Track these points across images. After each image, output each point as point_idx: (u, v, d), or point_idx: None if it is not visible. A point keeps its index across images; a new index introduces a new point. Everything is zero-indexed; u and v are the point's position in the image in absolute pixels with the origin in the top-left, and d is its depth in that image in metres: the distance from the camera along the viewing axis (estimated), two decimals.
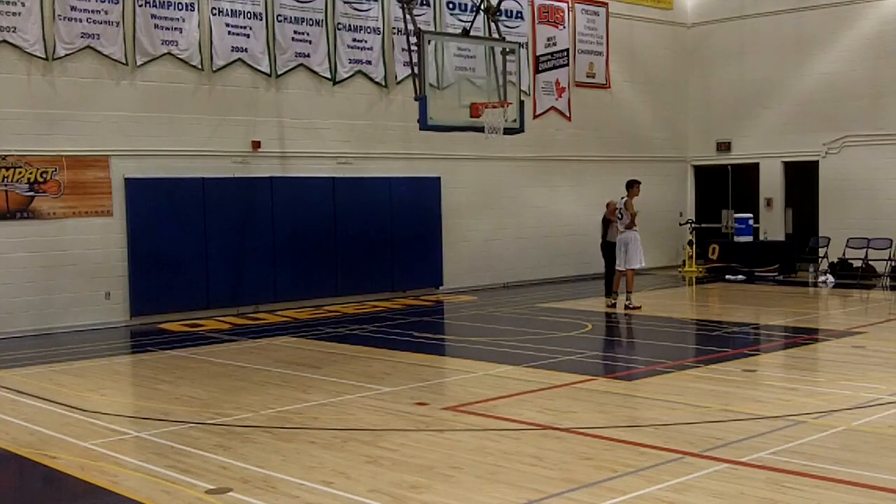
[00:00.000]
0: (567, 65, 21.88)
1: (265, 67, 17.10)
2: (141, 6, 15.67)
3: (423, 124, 14.70)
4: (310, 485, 6.84)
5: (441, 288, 19.63)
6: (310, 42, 17.64)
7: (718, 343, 13.32)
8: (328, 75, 17.89)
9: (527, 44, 20.90)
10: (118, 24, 15.45)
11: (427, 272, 19.35)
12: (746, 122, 23.63)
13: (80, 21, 15.11)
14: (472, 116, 15.19)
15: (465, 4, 19.87)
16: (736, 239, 22.64)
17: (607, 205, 17.63)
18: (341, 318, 16.15)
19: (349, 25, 18.14)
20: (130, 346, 14.23)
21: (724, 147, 24.15)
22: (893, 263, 20.40)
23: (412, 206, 18.92)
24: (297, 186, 17.38)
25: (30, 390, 10.53)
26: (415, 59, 14.97)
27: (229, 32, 16.67)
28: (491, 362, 11.73)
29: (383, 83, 18.63)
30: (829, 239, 21.41)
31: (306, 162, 17.72)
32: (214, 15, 16.47)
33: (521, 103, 16.30)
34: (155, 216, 15.82)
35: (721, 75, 24.05)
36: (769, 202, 23.38)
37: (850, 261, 20.71)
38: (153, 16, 15.80)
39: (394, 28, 18.58)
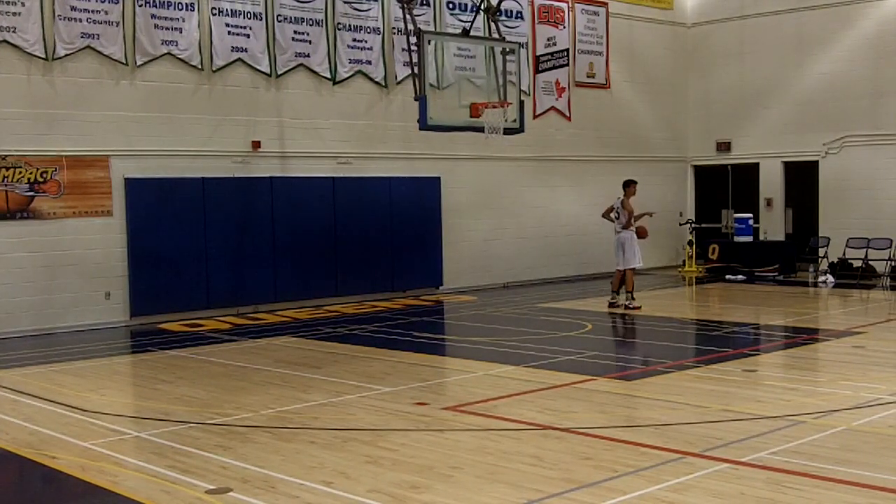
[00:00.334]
0: (567, 65, 21.88)
1: (265, 67, 17.11)
2: (141, 6, 15.67)
3: (423, 124, 14.71)
4: (310, 485, 6.84)
5: (441, 288, 19.64)
6: (310, 42, 17.64)
7: (718, 343, 13.32)
8: (328, 75, 17.89)
9: (527, 44, 20.90)
10: (118, 24, 15.45)
11: (427, 272, 19.35)
12: (746, 122, 23.63)
13: (80, 21, 15.11)
14: (472, 116, 15.20)
15: (465, 4, 19.87)
16: (736, 239, 22.64)
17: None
18: (341, 318, 16.15)
19: (349, 25, 18.14)
20: (130, 346, 14.24)
21: (724, 147, 24.16)
22: (893, 263, 20.40)
23: (412, 206, 18.92)
24: (297, 186, 17.38)
25: (30, 390, 10.53)
26: (415, 59, 14.98)
27: (229, 32, 16.67)
28: (491, 362, 11.73)
29: (383, 83, 18.63)
30: (829, 239, 21.41)
31: (306, 162, 17.72)
32: (214, 15, 16.48)
33: (521, 103, 16.31)
34: (155, 216, 15.82)
35: (721, 75, 24.06)
36: (769, 202, 23.39)
37: (850, 261, 20.71)
38: (153, 16, 15.81)
39: (394, 28, 18.58)
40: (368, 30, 18.40)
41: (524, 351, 12.46)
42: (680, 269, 23.01)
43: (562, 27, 21.83)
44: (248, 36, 16.89)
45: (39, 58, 14.79)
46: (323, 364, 11.78)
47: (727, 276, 21.61)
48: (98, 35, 15.26)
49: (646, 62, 23.74)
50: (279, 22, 17.25)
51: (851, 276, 20.28)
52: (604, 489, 6.58)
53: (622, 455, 7.42)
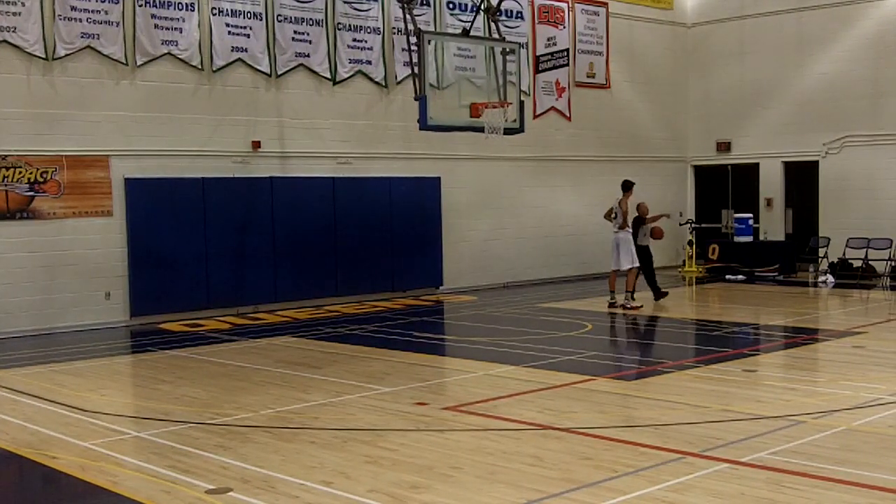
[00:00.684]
0: (567, 65, 21.88)
1: (265, 67, 17.11)
2: (141, 6, 15.67)
3: (423, 124, 14.71)
4: (310, 485, 6.84)
5: (441, 288, 19.64)
6: (310, 42, 17.64)
7: (718, 343, 13.32)
8: (328, 75, 17.89)
9: (527, 44, 20.90)
10: (118, 24, 15.45)
11: (427, 272, 19.35)
12: (746, 122, 23.63)
13: (80, 21, 15.11)
14: (472, 116, 15.22)
15: (465, 4, 19.87)
16: (736, 239, 22.63)
17: (638, 206, 17.53)
18: (341, 318, 16.15)
19: (349, 25, 18.14)
20: (130, 346, 14.24)
21: (724, 147, 24.16)
22: (893, 263, 20.40)
23: (412, 206, 18.91)
24: (297, 186, 17.38)
25: (30, 390, 10.53)
26: (415, 59, 14.98)
27: (229, 32, 16.67)
28: (491, 362, 11.73)
29: (383, 83, 18.63)
30: (829, 239, 21.41)
31: (306, 162, 17.72)
32: (214, 15, 16.48)
33: (521, 103, 16.32)
34: (155, 216, 15.82)
35: (721, 75, 24.06)
36: (769, 202, 23.39)
37: (850, 261, 20.71)
38: (153, 16, 15.80)
39: (394, 28, 18.58)
40: (368, 30, 18.40)
41: (524, 351, 12.46)
42: (680, 269, 23.01)
43: (562, 27, 21.83)
44: (248, 36, 16.89)
45: (39, 58, 14.79)
46: (323, 364, 11.78)
47: (727, 276, 21.61)
48: (98, 35, 15.26)
49: (646, 62, 23.74)
50: (279, 22, 17.25)
51: (851, 276, 20.28)
52: (604, 489, 6.58)
53: (622, 455, 7.42)
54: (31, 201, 14.76)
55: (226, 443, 8.07)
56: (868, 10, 21.63)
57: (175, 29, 16.04)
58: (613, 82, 22.96)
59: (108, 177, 15.48)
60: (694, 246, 22.84)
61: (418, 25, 15.54)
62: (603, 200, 21.88)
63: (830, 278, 20.15)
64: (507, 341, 13.30)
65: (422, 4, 18.71)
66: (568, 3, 21.96)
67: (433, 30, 18.60)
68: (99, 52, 15.33)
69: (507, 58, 16.01)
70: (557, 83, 21.73)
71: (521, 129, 16.18)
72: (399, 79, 18.73)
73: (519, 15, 20.90)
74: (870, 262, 20.50)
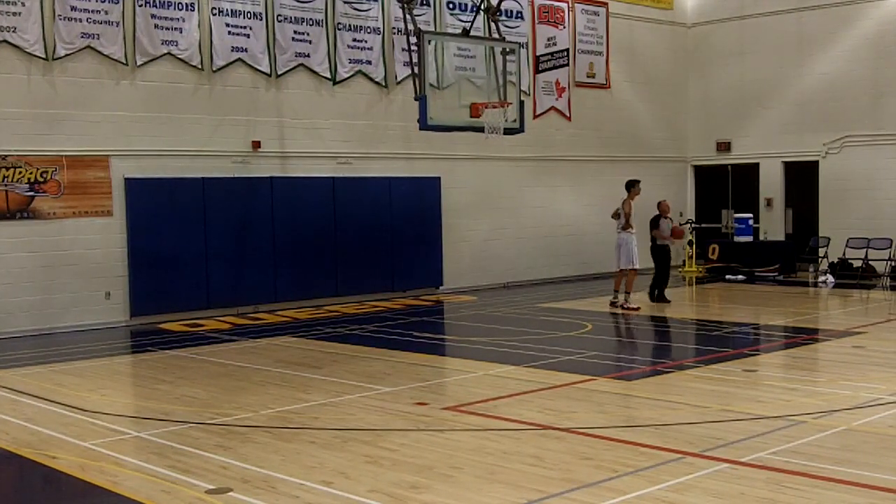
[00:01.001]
0: (567, 65, 21.88)
1: (265, 67, 17.10)
2: (141, 6, 15.67)
3: (423, 124, 14.72)
4: (310, 485, 6.84)
5: (441, 288, 19.64)
6: (310, 42, 17.64)
7: (718, 343, 13.32)
8: (328, 75, 17.89)
9: (527, 44, 20.90)
10: (118, 24, 15.45)
11: (427, 272, 19.35)
12: (746, 122, 23.63)
13: (80, 21, 15.11)
14: (472, 116, 15.21)
15: (465, 4, 19.87)
16: (736, 239, 22.63)
17: (659, 204, 17.44)
18: (341, 318, 16.15)
19: (349, 25, 18.14)
20: (130, 346, 14.24)
21: (724, 147, 24.16)
22: (893, 263, 20.39)
23: (412, 206, 18.92)
24: (297, 186, 17.37)
25: (30, 390, 10.53)
26: (415, 59, 14.99)
27: (229, 32, 16.67)
28: (491, 362, 11.73)
29: (383, 83, 18.63)
30: (829, 239, 21.41)
31: (306, 162, 17.72)
32: (214, 15, 16.48)
33: (521, 103, 16.32)
34: (155, 216, 15.82)
35: (721, 75, 24.05)
36: (769, 202, 23.38)
37: (850, 261, 20.70)
38: (153, 16, 15.80)
39: (394, 28, 18.58)
40: (368, 30, 18.40)
41: (524, 351, 12.46)
42: (680, 270, 23.00)
43: (562, 27, 21.83)
44: (248, 36, 16.89)
45: (39, 58, 14.79)
46: (323, 364, 11.78)
47: (727, 276, 21.61)
48: (98, 35, 15.26)
49: (646, 62, 23.73)
50: (279, 22, 17.25)
51: (851, 276, 20.28)
52: (604, 489, 6.58)
53: (622, 455, 7.42)
54: (31, 201, 14.76)
55: (226, 443, 8.07)
56: (868, 10, 21.63)
57: (175, 29, 16.03)
58: (613, 82, 22.96)
59: (108, 177, 15.48)
60: (694, 246, 22.83)
61: (418, 25, 15.55)
62: (603, 200, 21.92)
63: (830, 278, 20.14)
64: (508, 341, 13.30)
65: (422, 4, 18.71)
66: (568, 3, 21.96)
67: (433, 30, 18.60)
68: (99, 52, 15.33)
69: (507, 58, 16.02)
70: (557, 83, 21.73)
71: (521, 129, 16.18)
72: (399, 79, 18.73)
73: (519, 15, 20.90)
74: (870, 262, 20.49)
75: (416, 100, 14.80)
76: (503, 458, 7.41)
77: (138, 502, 6.57)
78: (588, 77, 22.44)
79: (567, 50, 21.82)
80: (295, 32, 17.45)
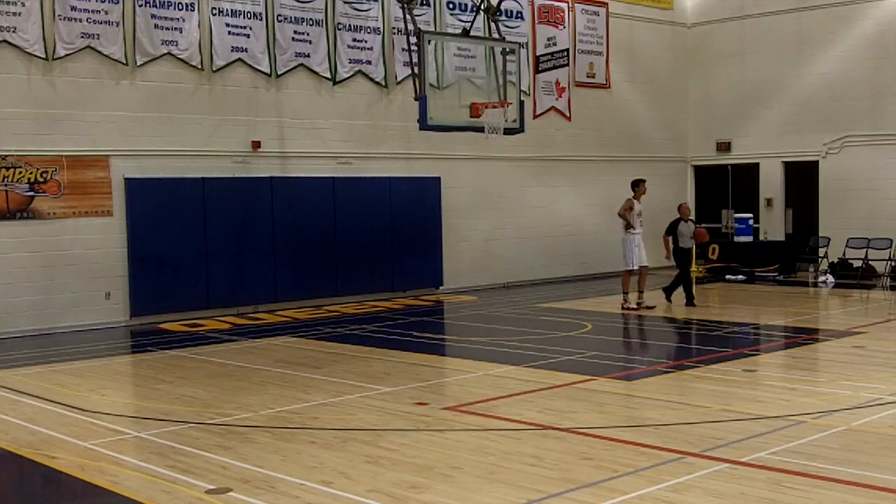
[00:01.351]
0: (567, 65, 21.88)
1: (265, 67, 17.10)
2: (141, 6, 15.67)
3: (423, 124, 14.72)
4: (310, 485, 6.84)
5: (441, 288, 19.64)
6: (310, 42, 17.64)
7: (718, 343, 13.32)
8: (328, 75, 17.89)
9: (527, 44, 20.90)
10: (118, 24, 15.45)
11: (427, 272, 19.35)
12: (746, 122, 23.63)
13: (80, 21, 15.11)
14: (472, 116, 15.22)
15: (465, 4, 19.87)
16: (736, 239, 22.63)
17: (679, 207, 17.36)
18: (341, 318, 16.15)
19: (349, 25, 18.14)
20: (130, 346, 14.24)
21: (724, 147, 24.16)
22: (893, 263, 20.39)
23: (412, 206, 18.92)
24: (297, 186, 17.37)
25: (30, 390, 10.53)
26: (415, 59, 14.99)
27: (229, 32, 16.67)
28: (491, 362, 11.73)
29: (383, 83, 18.63)
30: (829, 239, 21.41)
31: (306, 162, 17.72)
32: (214, 15, 16.48)
33: (521, 103, 16.32)
34: (155, 216, 15.82)
35: (721, 75, 24.05)
36: (769, 202, 23.38)
37: (850, 261, 20.70)
38: (153, 16, 15.80)
39: (394, 28, 18.58)
40: (368, 30, 18.40)
41: (524, 351, 12.46)
42: None
43: (562, 27, 21.83)
44: (248, 36, 16.89)
45: (39, 58, 14.79)
46: (323, 364, 11.78)
47: (727, 276, 21.60)
48: (98, 35, 15.26)
49: (646, 62, 23.73)
50: (279, 22, 17.25)
51: (851, 276, 20.27)
52: (604, 489, 6.58)
53: (622, 455, 7.42)
54: (31, 201, 14.76)
55: (226, 443, 8.07)
56: (868, 10, 21.62)
57: (175, 29, 16.03)
58: (613, 82, 22.96)
59: (108, 177, 15.48)
60: (694, 246, 22.80)
61: (418, 25, 15.55)
62: (603, 200, 21.93)
63: (830, 278, 20.14)
64: (508, 341, 13.30)
65: (422, 4, 18.71)
66: (568, 3, 21.96)
67: (433, 30, 18.60)
68: (99, 52, 15.33)
69: (507, 58, 16.02)
70: (557, 83, 21.73)
71: (521, 129, 16.18)
72: (399, 79, 18.73)
73: (519, 15, 20.90)
74: (870, 262, 20.49)
75: (416, 100, 14.80)
76: (503, 458, 7.41)
77: (138, 502, 6.57)
78: (588, 77, 22.44)
79: (567, 50, 21.82)
80: (295, 32, 17.45)
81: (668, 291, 17.26)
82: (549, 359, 11.80)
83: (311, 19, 17.63)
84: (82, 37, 15.14)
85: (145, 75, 15.85)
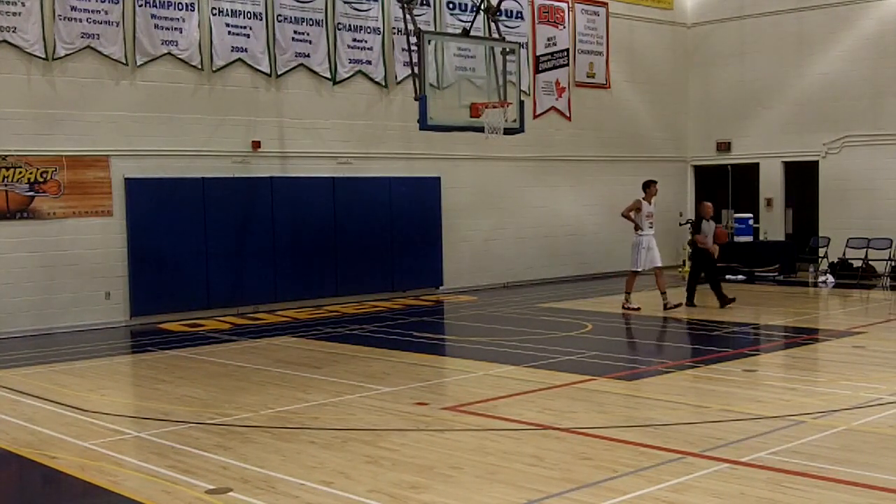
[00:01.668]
0: (567, 65, 21.88)
1: (265, 67, 17.11)
2: (141, 6, 15.67)
3: (423, 124, 14.72)
4: (310, 485, 6.84)
5: (441, 288, 19.63)
6: (310, 42, 17.64)
7: (718, 343, 13.32)
8: (328, 75, 17.89)
9: (527, 44, 20.90)
10: (118, 24, 15.45)
11: (427, 272, 19.35)
12: (746, 122, 23.63)
13: (80, 21, 15.11)
14: (472, 116, 15.21)
15: (465, 4, 19.87)
16: (736, 239, 22.61)
17: (700, 206, 17.16)
18: (341, 318, 16.15)
19: (349, 25, 18.14)
20: (130, 346, 14.24)
21: (724, 147, 24.16)
22: (893, 263, 20.39)
23: (412, 206, 18.92)
24: (297, 186, 17.37)
25: (30, 390, 10.53)
26: (415, 59, 14.98)
27: (229, 32, 16.67)
28: (491, 362, 11.73)
29: (383, 83, 18.63)
30: (829, 239, 21.41)
31: (306, 162, 17.72)
32: (214, 15, 16.48)
33: (521, 103, 16.32)
34: (155, 216, 15.82)
35: (721, 75, 24.06)
36: (769, 202, 23.38)
37: (850, 261, 20.70)
38: (153, 16, 15.81)
39: (394, 28, 18.58)
40: (368, 30, 18.40)
41: (524, 351, 12.46)
42: (680, 269, 22.97)
43: (562, 27, 21.83)
44: (248, 36, 16.89)
45: (39, 58, 14.79)
46: (323, 364, 11.78)
47: (727, 276, 21.58)
48: (98, 35, 15.26)
49: (646, 62, 23.73)
50: (279, 22, 17.25)
51: (851, 276, 20.27)
52: (604, 489, 6.58)
53: (622, 455, 7.42)
54: (31, 201, 14.76)
55: (226, 443, 8.07)
56: (868, 10, 21.63)
57: (175, 29, 16.04)
58: (613, 82, 22.96)
59: (108, 177, 15.48)
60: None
61: (418, 25, 15.54)
62: (603, 200, 21.96)
63: (830, 278, 20.14)
64: (507, 341, 13.30)
65: (422, 4, 18.70)
66: (568, 2, 21.96)
67: (433, 30, 18.60)
68: (99, 52, 15.33)
69: (507, 58, 16.01)
70: (557, 83, 21.73)
71: (521, 129, 16.18)
72: (399, 79, 18.73)
73: (519, 15, 20.90)
74: (870, 262, 20.49)
75: (416, 100, 14.80)
76: (503, 458, 7.41)
77: (138, 502, 6.57)
78: (588, 77, 22.44)
79: (567, 50, 21.82)
80: (295, 32, 17.45)
81: (691, 295, 16.82)
82: (549, 359, 11.80)
83: (311, 19, 17.63)
84: (82, 37, 15.14)
85: (145, 75, 15.85)
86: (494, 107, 15.30)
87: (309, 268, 17.53)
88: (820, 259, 21.38)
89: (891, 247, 20.46)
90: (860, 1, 21.69)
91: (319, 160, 17.90)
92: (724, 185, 24.39)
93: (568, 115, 22.02)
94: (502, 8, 18.42)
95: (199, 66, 16.36)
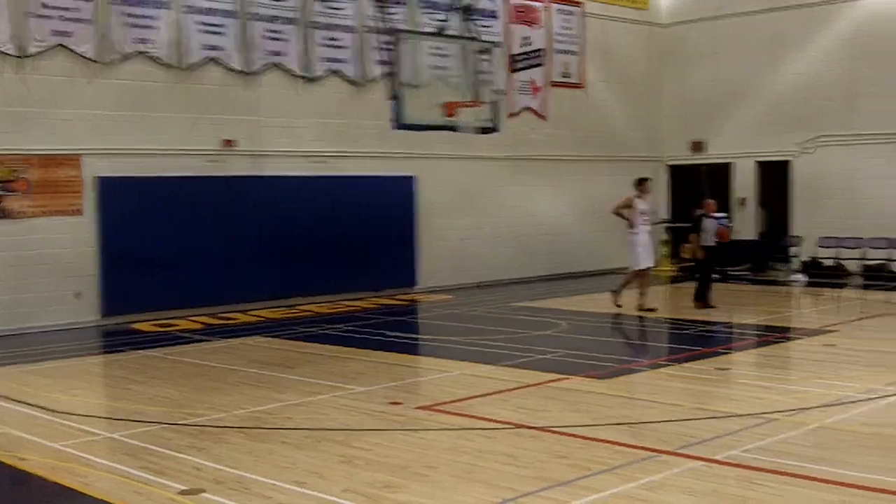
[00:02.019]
0: (542, 64, 21.90)
1: (239, 65, 17.00)
2: (113, 4, 15.53)
3: (398, 123, 14.68)
4: (283, 485, 6.80)
5: (416, 287, 19.60)
6: (284, 40, 17.56)
7: (692, 342, 13.37)
8: (302, 73, 17.81)
9: (502, 43, 20.90)
10: (90, 21, 15.31)
11: (402, 271, 19.31)
12: (721, 122, 23.74)
13: (52, 18, 14.96)
14: (446, 115, 15.20)
15: (440, 3, 19.82)
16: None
17: (703, 203, 16.86)
18: (315, 317, 16.09)
19: (323, 24, 18.06)
20: (102, 346, 14.12)
21: (698, 147, 24.25)
22: (865, 262, 20.56)
23: (387, 205, 18.86)
24: (272, 185, 17.29)
25: None
26: (389, 58, 14.94)
27: (202, 30, 16.55)
28: (466, 361, 11.71)
29: (358, 81, 18.57)
30: (802, 238, 21.56)
31: (281, 160, 17.64)
32: (187, 13, 16.36)
33: (496, 102, 16.33)
34: (127, 215, 15.69)
35: (696, 75, 24.16)
36: (743, 201, 23.51)
37: (822, 260, 20.85)
38: (126, 14, 15.67)
39: (368, 26, 18.52)
40: (343, 28, 18.33)
41: (499, 350, 12.45)
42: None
43: (537, 27, 21.85)
44: (222, 34, 16.78)
45: (11, 55, 14.63)
46: (297, 364, 11.73)
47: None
48: (70, 33, 15.12)
49: (621, 62, 23.80)
50: (253, 20, 17.15)
51: (823, 275, 20.42)
52: (578, 487, 6.58)
53: (596, 453, 7.42)
54: (1, 200, 14.59)
55: (199, 443, 8.01)
56: (843, 11, 21.78)
57: (147, 27, 15.91)
58: (589, 82, 23.01)
59: (80, 176, 15.33)
60: (670, 245, 22.91)
61: (392, 24, 15.51)
62: (579, 199, 22.00)
63: (803, 277, 20.27)
64: (483, 340, 13.29)
65: (396, 3, 18.66)
66: (543, 2, 21.98)
67: (407, 29, 18.55)
68: (71, 50, 15.18)
69: (482, 57, 16.01)
70: (533, 82, 21.75)
71: (495, 129, 16.19)
72: (373, 77, 18.65)
73: (494, 14, 20.89)
74: (841, 261, 20.65)
75: (390, 99, 14.76)
76: (478, 457, 7.40)
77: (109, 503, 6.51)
78: (563, 77, 22.47)
79: (542, 49, 21.84)
80: (269, 31, 17.36)
81: (700, 298, 16.47)
82: (523, 357, 11.80)
83: (284, 17, 17.55)
84: (54, 34, 14.99)
85: (118, 73, 15.71)
86: (469, 106, 15.30)
87: (283, 267, 17.45)
88: (792, 258, 21.52)
89: (862, 246, 20.61)
90: (834, 1, 21.85)
91: (294, 159, 17.81)
92: (699, 185, 24.44)
93: (544, 114, 22.04)
94: (477, 7, 18.40)
95: (172, 65, 16.24)
